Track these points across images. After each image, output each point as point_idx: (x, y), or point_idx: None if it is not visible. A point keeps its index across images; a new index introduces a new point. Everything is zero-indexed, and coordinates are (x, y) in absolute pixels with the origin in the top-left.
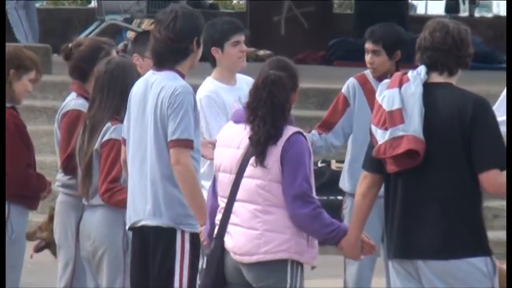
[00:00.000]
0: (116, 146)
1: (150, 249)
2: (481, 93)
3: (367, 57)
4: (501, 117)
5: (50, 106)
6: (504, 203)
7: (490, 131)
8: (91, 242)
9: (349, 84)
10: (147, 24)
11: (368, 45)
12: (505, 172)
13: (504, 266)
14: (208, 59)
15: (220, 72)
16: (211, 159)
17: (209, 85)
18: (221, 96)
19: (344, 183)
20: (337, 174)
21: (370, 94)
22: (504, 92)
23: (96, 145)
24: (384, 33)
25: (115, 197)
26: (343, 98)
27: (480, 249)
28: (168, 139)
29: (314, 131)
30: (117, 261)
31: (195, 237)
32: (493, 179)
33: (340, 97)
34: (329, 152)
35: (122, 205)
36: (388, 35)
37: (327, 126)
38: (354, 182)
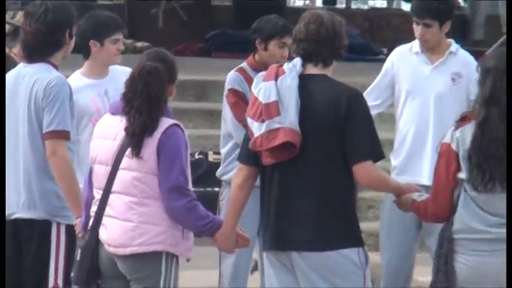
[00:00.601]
0: None
1: (24, 242)
2: (357, 84)
3: (285, 52)
4: (372, 102)
5: None
6: (378, 194)
7: (362, 124)
8: None
9: (237, 78)
10: (20, 17)
11: (289, 40)
12: (376, 164)
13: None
14: (82, 50)
15: (91, 65)
16: None
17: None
18: (77, 96)
19: (224, 174)
20: (214, 166)
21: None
22: (376, 81)
23: None
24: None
25: None
26: (241, 92)
27: (352, 240)
28: (44, 131)
29: None
30: None
31: (71, 229)
32: (365, 171)
33: (239, 93)
34: None
35: None
36: None
37: None
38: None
